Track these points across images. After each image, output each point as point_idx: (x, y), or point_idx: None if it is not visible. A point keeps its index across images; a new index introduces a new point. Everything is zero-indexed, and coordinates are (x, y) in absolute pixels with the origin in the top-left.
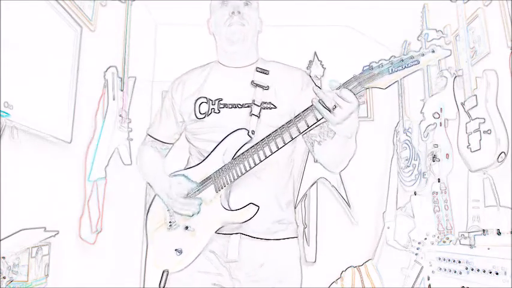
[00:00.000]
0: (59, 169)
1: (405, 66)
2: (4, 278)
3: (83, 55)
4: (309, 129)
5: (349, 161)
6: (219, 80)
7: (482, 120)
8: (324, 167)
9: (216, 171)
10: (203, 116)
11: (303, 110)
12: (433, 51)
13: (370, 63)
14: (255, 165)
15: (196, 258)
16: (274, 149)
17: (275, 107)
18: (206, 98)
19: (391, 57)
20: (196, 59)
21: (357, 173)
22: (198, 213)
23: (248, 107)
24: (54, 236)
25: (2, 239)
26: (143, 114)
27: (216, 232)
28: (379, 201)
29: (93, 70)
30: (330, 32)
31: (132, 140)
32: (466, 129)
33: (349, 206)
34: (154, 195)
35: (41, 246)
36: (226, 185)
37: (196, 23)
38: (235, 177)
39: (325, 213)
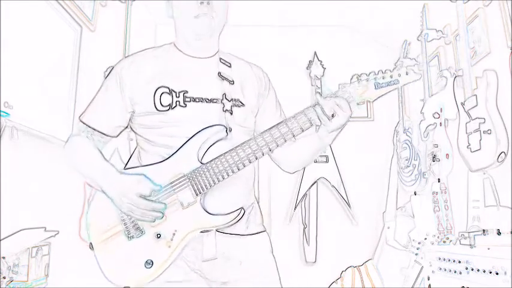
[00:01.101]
0: (59, 169)
1: (387, 85)
2: (4, 278)
3: (83, 55)
4: (300, 134)
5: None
6: (181, 70)
7: (482, 120)
8: (278, 165)
9: (193, 171)
10: (166, 108)
11: (294, 114)
12: (407, 74)
13: (354, 75)
14: (244, 167)
15: (165, 270)
16: (266, 151)
17: (243, 105)
18: (168, 88)
19: (371, 73)
20: None
21: (357, 173)
22: (161, 218)
23: (216, 102)
24: (54, 236)
25: (2, 239)
26: None
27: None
28: (379, 201)
29: (93, 70)
30: (330, 32)
31: (132, 140)
32: (466, 129)
33: (349, 206)
34: (93, 195)
35: (41, 246)
36: (207, 188)
37: None
38: (220, 180)
39: (325, 213)
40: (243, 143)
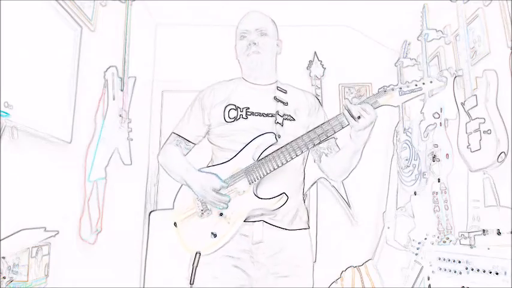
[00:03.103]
0: (59, 169)
1: (411, 92)
2: (4, 278)
3: (83, 55)
4: (330, 137)
5: (351, 171)
6: (245, 92)
7: (482, 120)
8: (327, 176)
9: (248, 166)
10: (232, 120)
11: (328, 119)
12: (431, 82)
13: (384, 86)
14: (287, 162)
15: (228, 242)
16: (305, 149)
17: (294, 120)
18: (235, 105)
19: (400, 83)
20: (196, 59)
21: (357, 173)
22: (226, 208)
23: (272, 116)
24: (54, 236)
25: (2, 239)
26: (143, 114)
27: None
28: (379, 201)
29: (93, 70)
30: (330, 32)
31: (132, 140)
32: (466, 129)
33: (349, 206)
34: (181, 186)
35: (41, 246)
36: (259, 178)
37: (196, 23)
38: (268, 172)
39: (325, 213)
40: (287, 143)
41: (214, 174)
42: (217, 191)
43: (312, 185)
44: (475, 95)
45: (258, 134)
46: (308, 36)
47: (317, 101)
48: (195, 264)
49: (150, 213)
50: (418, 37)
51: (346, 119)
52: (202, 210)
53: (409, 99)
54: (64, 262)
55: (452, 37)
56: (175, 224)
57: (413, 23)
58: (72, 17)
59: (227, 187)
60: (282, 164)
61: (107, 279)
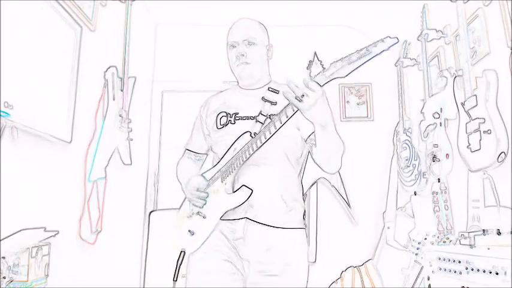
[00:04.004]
0: (59, 169)
1: (360, 57)
2: (4, 278)
3: (83, 55)
4: (287, 119)
5: (341, 158)
6: (237, 99)
7: (482, 120)
8: (321, 168)
9: (223, 166)
10: (222, 126)
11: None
12: (383, 41)
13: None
14: (250, 155)
15: (207, 239)
16: (263, 140)
17: None
18: (225, 112)
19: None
20: (195, 59)
21: (357, 173)
22: (205, 203)
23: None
24: (54, 236)
25: (2, 239)
26: (143, 114)
27: (225, 219)
28: (379, 201)
29: (93, 70)
30: (330, 32)
31: (132, 140)
32: (466, 129)
33: (349, 206)
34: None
35: (41, 246)
36: (230, 174)
37: (196, 23)
38: (236, 167)
39: (325, 213)
40: (254, 137)
41: (202, 176)
42: (196, 189)
43: (312, 185)
44: (475, 95)
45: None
46: (308, 36)
47: None
48: (179, 262)
49: (150, 213)
50: (418, 37)
51: (290, 101)
52: (192, 211)
53: (356, 68)
54: (64, 262)
55: (452, 37)
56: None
57: (413, 23)
58: (72, 17)
59: (207, 186)
60: (246, 158)
61: (107, 279)
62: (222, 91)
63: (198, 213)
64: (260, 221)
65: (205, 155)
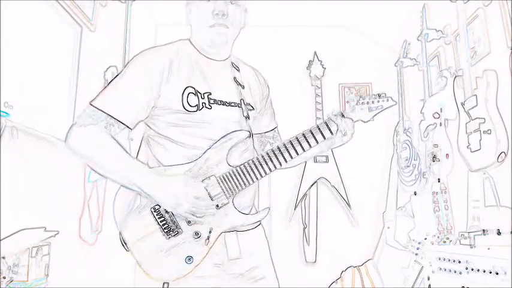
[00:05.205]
0: (59, 169)
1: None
2: (4, 278)
3: (83, 55)
4: (316, 144)
5: None
6: (203, 71)
7: (482, 120)
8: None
9: (224, 175)
10: (194, 109)
11: (310, 128)
12: (387, 101)
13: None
14: (270, 171)
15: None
16: (289, 158)
17: (253, 109)
18: (194, 89)
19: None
20: None
21: (357, 173)
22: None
23: (235, 106)
24: (54, 236)
25: (2, 239)
26: None
27: None
28: (379, 201)
29: (93, 70)
30: (330, 32)
31: (132, 140)
32: (466, 129)
33: (349, 206)
34: (119, 189)
35: (41, 246)
36: (238, 190)
37: None
38: (249, 183)
39: (325, 213)
40: (272, 149)
41: (183, 176)
42: (197, 198)
43: (312, 185)
44: (475, 95)
45: (222, 127)
46: (308, 36)
47: (266, 82)
48: None
49: None
50: (418, 37)
51: (333, 134)
52: (168, 228)
53: (374, 115)
54: (64, 262)
55: (452, 37)
56: (125, 244)
57: (413, 23)
58: (72, 17)
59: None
60: (266, 175)
61: (106, 279)
62: (170, 45)
63: (196, 234)
64: (246, 228)
65: (129, 129)
